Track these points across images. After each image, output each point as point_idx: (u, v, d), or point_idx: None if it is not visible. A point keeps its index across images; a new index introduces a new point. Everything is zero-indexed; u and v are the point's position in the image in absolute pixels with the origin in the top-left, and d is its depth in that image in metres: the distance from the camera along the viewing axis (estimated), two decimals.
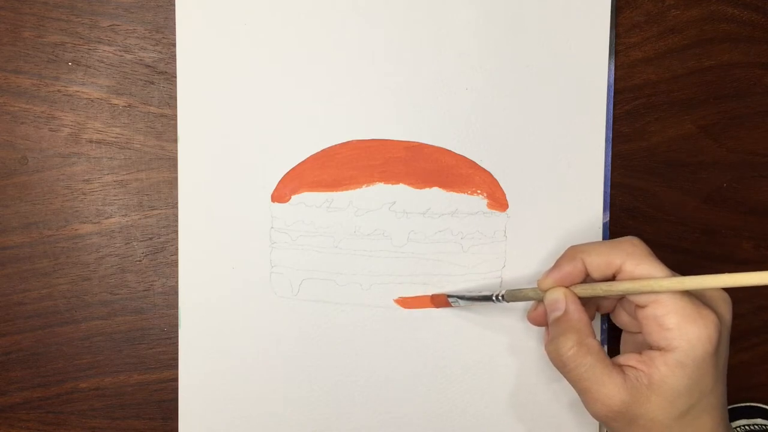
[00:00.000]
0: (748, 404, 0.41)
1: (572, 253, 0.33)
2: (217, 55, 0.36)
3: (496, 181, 0.38)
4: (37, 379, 0.38)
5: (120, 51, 0.37)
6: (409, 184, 0.37)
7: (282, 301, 0.37)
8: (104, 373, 0.38)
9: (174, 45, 0.37)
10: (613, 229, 0.39)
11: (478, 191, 0.38)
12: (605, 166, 0.39)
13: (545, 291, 0.33)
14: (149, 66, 0.37)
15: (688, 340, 0.29)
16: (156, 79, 0.37)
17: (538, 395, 0.39)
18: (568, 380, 0.32)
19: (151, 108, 0.37)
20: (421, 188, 0.37)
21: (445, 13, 0.37)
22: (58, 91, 0.37)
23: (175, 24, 0.36)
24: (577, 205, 0.38)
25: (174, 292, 0.38)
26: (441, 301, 0.38)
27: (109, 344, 0.38)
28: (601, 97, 0.38)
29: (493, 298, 0.35)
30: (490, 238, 0.38)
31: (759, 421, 0.40)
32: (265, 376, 0.38)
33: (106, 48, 0.37)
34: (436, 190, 0.38)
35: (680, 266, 0.33)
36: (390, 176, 0.37)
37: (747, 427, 0.39)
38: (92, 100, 0.37)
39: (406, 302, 0.38)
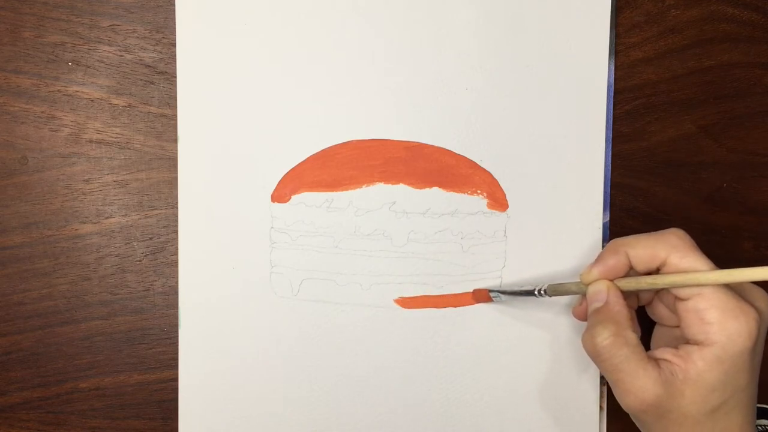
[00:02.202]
0: None
1: (615, 246, 0.33)
2: (217, 55, 0.36)
3: (496, 181, 0.38)
4: (37, 379, 0.38)
5: (120, 51, 0.37)
6: (409, 184, 0.37)
7: (282, 301, 0.37)
8: (104, 373, 0.38)
9: (174, 45, 0.37)
10: (613, 229, 0.39)
11: (478, 191, 0.38)
12: (605, 166, 0.39)
13: (588, 284, 0.33)
14: (149, 66, 0.37)
15: (728, 335, 0.29)
16: (156, 79, 0.37)
17: (539, 395, 0.39)
18: (601, 371, 0.32)
19: (151, 108, 0.37)
20: (421, 188, 0.37)
21: (445, 13, 0.37)
22: (58, 91, 0.37)
23: (175, 24, 0.36)
24: (577, 205, 0.38)
25: (174, 292, 0.38)
26: (482, 295, 0.38)
27: (109, 344, 0.38)
28: (601, 97, 0.38)
29: (536, 292, 0.35)
30: (490, 238, 0.38)
31: (763, 421, 0.40)
32: (265, 376, 0.38)
33: (106, 48, 0.37)
34: (436, 190, 0.38)
35: None
36: (390, 176, 0.37)
37: None
38: (92, 100, 0.37)
39: (406, 302, 0.38)
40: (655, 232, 0.32)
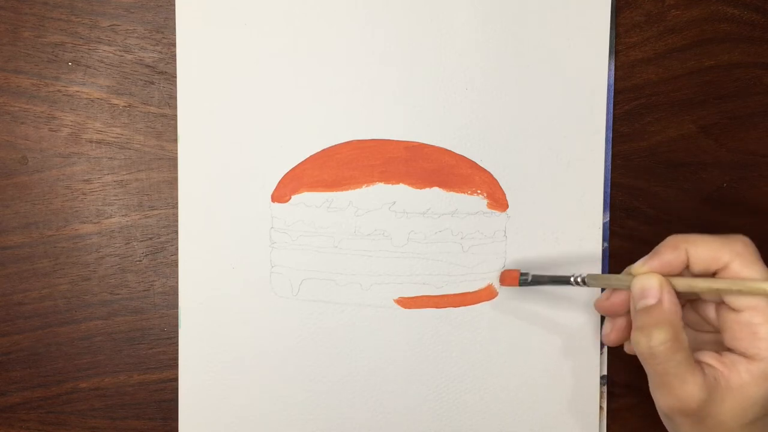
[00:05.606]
0: None
1: (675, 242, 0.31)
2: (217, 55, 0.37)
3: (496, 181, 0.38)
4: (37, 379, 0.38)
5: (120, 51, 0.37)
6: (409, 184, 0.37)
7: (282, 301, 0.37)
8: (104, 373, 0.38)
9: (174, 45, 0.37)
10: (613, 229, 0.39)
11: (478, 191, 0.38)
12: (605, 166, 0.39)
13: (636, 276, 0.31)
14: (149, 66, 0.37)
15: None
16: (156, 79, 0.37)
17: (539, 395, 0.39)
18: (648, 371, 0.30)
19: (151, 108, 0.37)
20: (421, 188, 0.37)
21: (445, 13, 0.37)
22: (58, 91, 0.37)
23: (175, 24, 0.36)
24: (577, 205, 0.38)
25: (174, 292, 0.38)
26: (511, 277, 0.37)
27: (109, 344, 0.38)
28: (601, 97, 0.38)
29: (572, 280, 0.34)
30: (490, 238, 0.38)
31: None
32: (265, 376, 0.38)
33: (106, 48, 0.37)
34: (436, 190, 0.38)
35: None
36: (390, 176, 0.37)
37: None
38: (92, 100, 0.37)
39: (406, 302, 0.38)
40: (719, 235, 0.31)
